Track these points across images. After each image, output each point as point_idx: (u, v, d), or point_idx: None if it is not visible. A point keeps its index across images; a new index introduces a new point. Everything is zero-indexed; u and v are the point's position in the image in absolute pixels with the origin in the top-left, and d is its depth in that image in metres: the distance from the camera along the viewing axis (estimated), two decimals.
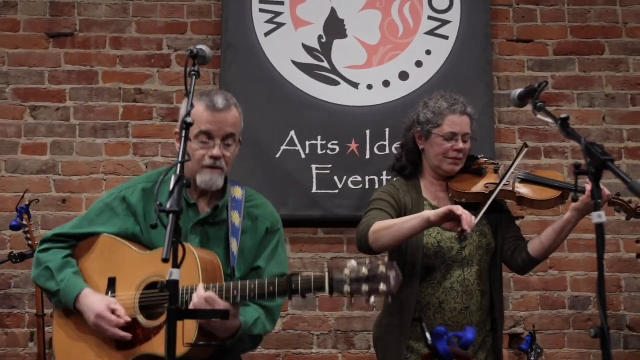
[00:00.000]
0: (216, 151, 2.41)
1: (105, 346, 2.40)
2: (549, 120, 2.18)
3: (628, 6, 4.52)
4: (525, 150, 2.86)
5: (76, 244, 2.53)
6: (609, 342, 1.80)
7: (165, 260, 1.81)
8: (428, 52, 4.39)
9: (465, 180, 2.86)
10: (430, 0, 4.43)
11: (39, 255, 2.52)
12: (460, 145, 2.81)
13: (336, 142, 4.25)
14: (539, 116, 2.23)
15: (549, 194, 2.81)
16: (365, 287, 2.03)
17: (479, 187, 2.83)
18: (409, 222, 2.60)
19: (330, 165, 4.23)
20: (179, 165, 1.96)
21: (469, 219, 2.47)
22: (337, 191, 4.22)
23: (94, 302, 2.38)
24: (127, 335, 2.35)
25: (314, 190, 4.17)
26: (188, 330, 2.21)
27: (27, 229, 3.82)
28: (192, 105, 2.13)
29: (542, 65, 4.47)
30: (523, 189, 2.83)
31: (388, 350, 2.80)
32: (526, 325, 4.21)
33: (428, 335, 1.54)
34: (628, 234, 4.29)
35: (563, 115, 2.10)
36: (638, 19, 4.51)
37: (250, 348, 2.49)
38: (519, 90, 2.44)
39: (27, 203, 3.89)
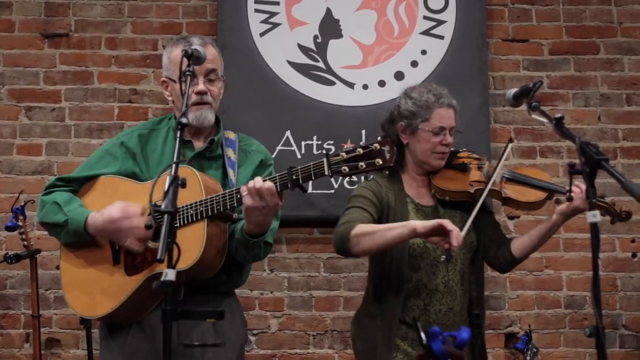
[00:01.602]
0: (201, 86, 2.50)
1: (115, 273, 2.46)
2: (544, 119, 2.18)
3: (623, 6, 4.53)
4: (510, 145, 2.80)
5: (78, 188, 2.60)
6: (604, 341, 1.80)
7: (159, 261, 1.81)
8: (423, 52, 4.39)
9: (449, 177, 2.78)
10: (425, 0, 4.43)
11: (43, 198, 2.58)
12: (449, 139, 2.73)
13: (332, 142, 4.25)
14: (534, 116, 2.23)
15: (535, 195, 2.76)
16: (362, 164, 2.16)
17: (463, 185, 2.76)
18: (394, 230, 2.50)
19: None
20: (173, 166, 1.96)
21: (458, 235, 2.40)
22: (332, 191, 4.22)
23: (105, 214, 2.42)
24: (148, 226, 2.35)
25: (310, 190, 4.17)
26: (196, 241, 2.30)
27: (22, 230, 3.81)
28: (187, 106, 2.16)
29: (537, 64, 4.47)
30: (509, 190, 2.76)
31: (372, 351, 2.69)
32: (522, 324, 4.22)
33: (423, 335, 1.54)
34: (624, 233, 4.30)
35: (558, 115, 2.10)
36: (633, 18, 4.52)
37: (261, 256, 2.54)
38: (513, 90, 2.43)
39: (22, 204, 3.88)
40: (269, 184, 2.27)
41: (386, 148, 2.15)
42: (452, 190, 2.75)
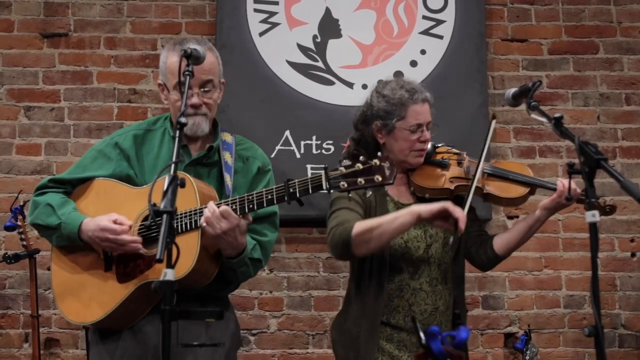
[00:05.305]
0: (195, 99, 2.43)
1: (107, 280, 2.42)
2: (543, 119, 2.18)
3: (622, 5, 4.53)
4: (494, 122, 2.71)
5: (71, 190, 2.56)
6: (603, 341, 1.80)
7: (159, 261, 1.80)
8: (423, 52, 4.39)
9: (429, 174, 2.70)
10: (424, 0, 4.43)
11: (36, 199, 2.53)
12: (427, 135, 2.65)
13: (331, 142, 4.25)
14: (533, 115, 2.23)
15: (517, 191, 2.70)
16: (360, 180, 2.12)
17: (444, 182, 2.67)
18: (398, 219, 2.39)
19: (325, 165, 4.21)
20: (172, 166, 1.95)
21: (464, 217, 2.34)
22: (332, 191, 4.21)
23: (96, 221, 2.38)
24: (135, 240, 2.34)
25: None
26: (189, 250, 2.25)
27: (21, 230, 3.81)
28: (186, 105, 2.14)
29: (536, 64, 4.47)
30: (490, 186, 2.69)
31: (354, 355, 2.61)
32: (521, 324, 4.22)
33: (422, 335, 1.54)
34: (623, 232, 4.31)
35: (557, 115, 2.11)
36: (632, 18, 4.52)
37: (251, 274, 2.50)
38: (513, 90, 2.43)
39: (21, 204, 3.88)
40: (222, 208, 2.24)
41: (386, 164, 2.12)
42: (432, 188, 2.66)
